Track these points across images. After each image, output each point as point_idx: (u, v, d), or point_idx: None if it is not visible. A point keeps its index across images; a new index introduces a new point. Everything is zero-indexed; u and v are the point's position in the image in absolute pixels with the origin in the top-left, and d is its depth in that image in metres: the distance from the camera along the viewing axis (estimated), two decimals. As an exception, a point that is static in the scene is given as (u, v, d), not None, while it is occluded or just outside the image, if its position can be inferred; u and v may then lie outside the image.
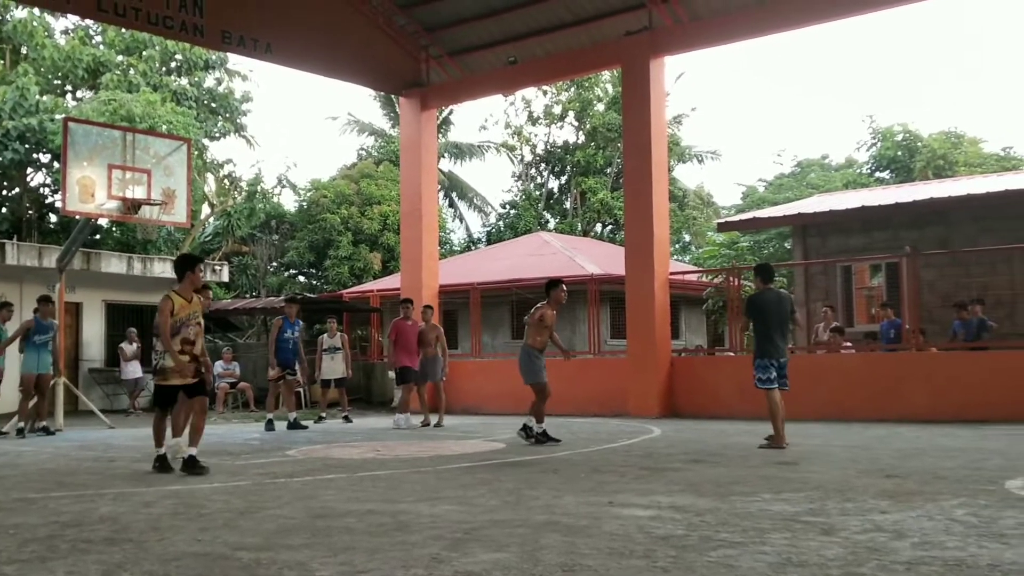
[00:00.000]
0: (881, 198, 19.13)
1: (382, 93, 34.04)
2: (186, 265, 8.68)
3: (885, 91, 65.90)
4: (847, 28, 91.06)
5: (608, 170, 37.05)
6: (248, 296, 31.14)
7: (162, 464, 8.50)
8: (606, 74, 34.99)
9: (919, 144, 32.35)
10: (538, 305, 11.19)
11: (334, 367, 16.03)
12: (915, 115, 70.79)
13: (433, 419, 14.56)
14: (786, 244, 23.51)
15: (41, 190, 26.50)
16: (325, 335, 16.29)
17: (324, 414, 16.16)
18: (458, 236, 40.02)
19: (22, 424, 13.58)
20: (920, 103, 64.17)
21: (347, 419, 15.84)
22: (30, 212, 25.87)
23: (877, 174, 33.91)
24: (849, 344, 15.97)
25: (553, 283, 11.25)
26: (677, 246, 38.24)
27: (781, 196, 32.16)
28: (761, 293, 10.28)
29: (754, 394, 10.24)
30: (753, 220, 21.37)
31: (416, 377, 14.56)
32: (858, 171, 34.75)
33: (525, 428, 10.88)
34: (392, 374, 18.66)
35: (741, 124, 69.95)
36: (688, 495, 6.42)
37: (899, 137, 33.17)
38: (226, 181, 31.58)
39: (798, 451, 9.40)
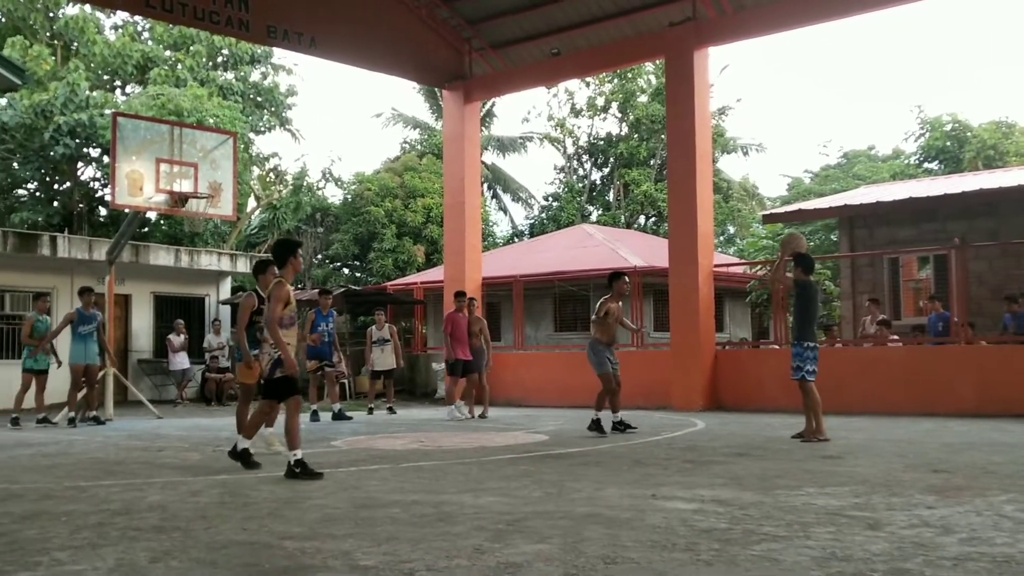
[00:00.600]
0: (929, 189, 18.86)
1: (426, 86, 34.12)
2: (289, 250, 8.01)
3: (934, 80, 64.95)
4: (895, 16, 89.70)
5: (652, 162, 36.85)
6: (294, 289, 31.38)
7: (246, 458, 7.89)
8: (649, 65, 34.77)
9: (968, 134, 31.82)
10: (602, 300, 11.41)
11: (384, 359, 16.07)
12: (965, 104, 69.63)
13: (477, 411, 14.65)
14: (832, 236, 23.26)
15: (91, 184, 26.93)
16: (374, 327, 16.34)
17: (372, 405, 16.22)
18: (501, 229, 40.06)
19: (73, 414, 13.83)
20: (970, 92, 63.14)
21: (391, 410, 15.92)
22: (80, 206, 26.30)
23: (925, 165, 33.41)
24: (896, 337, 15.77)
25: (616, 275, 11.58)
26: (721, 238, 37.94)
27: (827, 187, 31.77)
28: (807, 281, 10.13)
29: (799, 387, 10.10)
30: (799, 212, 21.18)
31: (466, 369, 14.68)
32: (906, 162, 34.26)
33: (621, 423, 11.11)
34: (436, 366, 18.72)
35: (787, 115, 69.28)
36: (732, 488, 6.39)
37: (948, 127, 32.64)
38: (271, 174, 31.86)
39: (843, 445, 9.31)
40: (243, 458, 7.89)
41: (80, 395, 14.04)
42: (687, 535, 4.76)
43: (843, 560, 4.17)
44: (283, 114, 30.97)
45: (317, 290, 18.03)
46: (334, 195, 34.90)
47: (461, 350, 14.62)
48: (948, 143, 32.44)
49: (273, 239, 31.47)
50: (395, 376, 16.74)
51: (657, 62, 29.89)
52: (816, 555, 4.28)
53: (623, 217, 36.61)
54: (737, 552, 4.37)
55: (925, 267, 19.10)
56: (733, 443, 9.75)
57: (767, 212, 25.29)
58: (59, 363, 14.17)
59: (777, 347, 16.37)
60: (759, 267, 21.84)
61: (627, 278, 11.68)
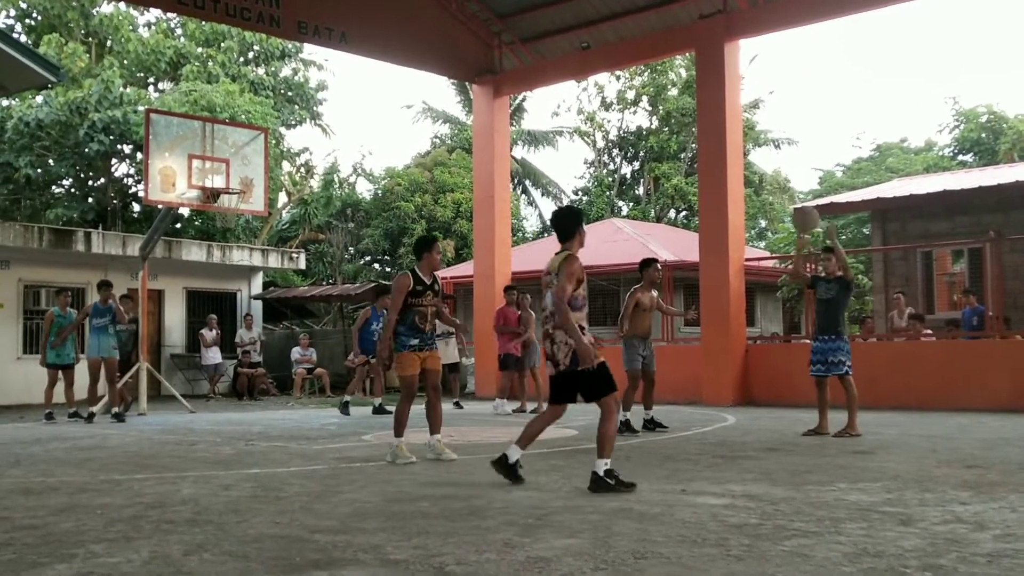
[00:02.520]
0: (964, 182, 18.64)
1: (456, 80, 34.16)
2: (577, 219, 6.95)
3: (969, 71, 64.13)
4: (929, 6, 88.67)
5: (682, 155, 36.68)
6: (325, 283, 31.57)
7: (511, 472, 6.59)
8: (680, 58, 34.61)
9: (1004, 125, 31.42)
10: (631, 291, 10.94)
11: (448, 352, 15.77)
12: (1000, 96, 68.75)
13: (531, 406, 14.61)
14: (864, 230, 23.07)
15: (125, 180, 27.21)
16: (438, 320, 16.18)
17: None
18: (531, 223, 40.05)
19: (117, 408, 13.92)
20: (1006, 83, 62.30)
21: (458, 405, 15.74)
22: (115, 202, 26.59)
23: (960, 157, 33.01)
24: (930, 331, 15.63)
25: (646, 262, 10.96)
26: (753, 232, 37.71)
27: (859, 180, 31.51)
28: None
29: (830, 383, 9.99)
30: (830, 205, 20.98)
31: (518, 364, 14.67)
32: (939, 154, 33.88)
33: (652, 421, 10.87)
34: (467, 360, 18.60)
35: (818, 107, 68.66)
36: (762, 484, 6.36)
37: (983, 119, 32.23)
38: (302, 169, 32.05)
39: (875, 440, 9.25)
40: (511, 472, 6.58)
41: (112, 389, 14.15)
42: (717, 530, 4.75)
43: (875, 556, 4.15)
44: (313, 109, 31.14)
45: (365, 286, 17.98)
46: (365, 190, 35.09)
47: (512, 345, 14.62)
48: (983, 135, 32.04)
49: (305, 233, 31.62)
50: (459, 371, 16.53)
51: (687, 55, 29.77)
52: (848, 551, 4.26)
53: (653, 211, 36.48)
54: (768, 548, 4.35)
55: (959, 261, 18.91)
56: (764, 438, 9.70)
57: (798, 206, 25.10)
58: (77, 359, 14.30)
59: (809, 342, 16.26)
60: (789, 261, 21.68)
61: (659, 265, 11.13)
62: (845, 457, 7.88)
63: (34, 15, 27.60)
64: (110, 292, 14.09)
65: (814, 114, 68.51)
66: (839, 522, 4.93)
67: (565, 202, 40.04)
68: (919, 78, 68.42)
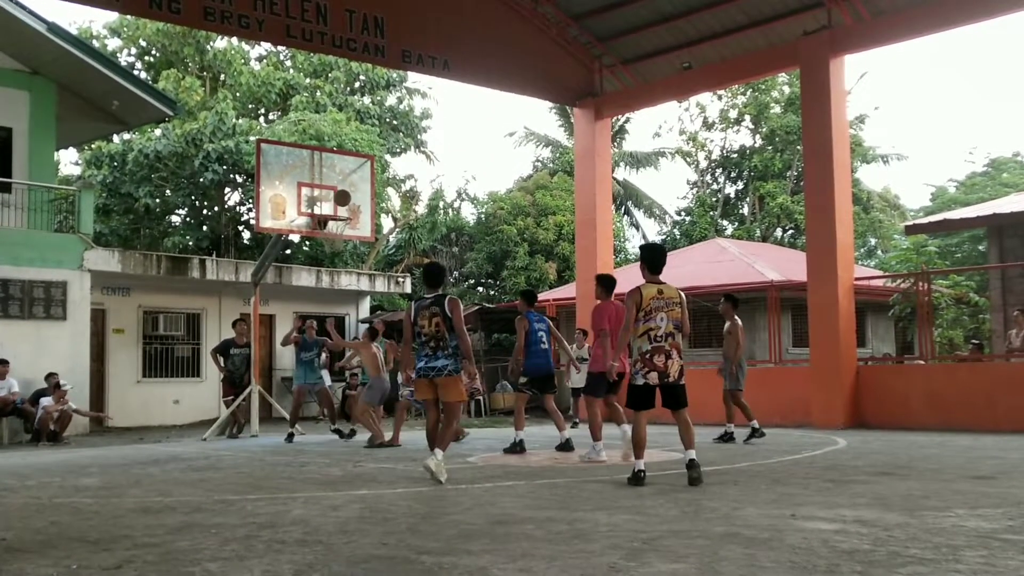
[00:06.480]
0: (1087, 195, 17.88)
1: (557, 104, 34.33)
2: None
3: (1091, 81, 61.42)
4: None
5: (788, 174, 36.11)
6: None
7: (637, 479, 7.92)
8: (782, 76, 34.12)
9: None
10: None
11: (576, 378, 15.75)
12: None
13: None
14: (980, 247, 22.29)
15: (237, 209, 28.05)
16: (574, 345, 16.32)
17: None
18: (633, 245, 39.86)
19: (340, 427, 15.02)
20: None
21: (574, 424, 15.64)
22: (227, 229, 27.42)
23: (1083, 170, 31.71)
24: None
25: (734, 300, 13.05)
26: (862, 250, 36.83)
27: (974, 196, 30.49)
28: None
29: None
30: (944, 222, 20.38)
31: None
32: (1061, 167, 32.59)
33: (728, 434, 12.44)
34: (569, 383, 18.59)
35: (929, 122, 66.76)
36: (875, 509, 6.19)
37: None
38: (407, 195, 32.57)
39: (996, 465, 8.91)
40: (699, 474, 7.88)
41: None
42: (828, 556, 4.64)
43: (995, 585, 4.00)
44: (418, 136, 31.66)
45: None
46: (468, 214, 35.46)
47: None
48: (1106, 146, 30.71)
49: (410, 258, 32.10)
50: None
51: (790, 72, 29.34)
52: (966, 580, 4.12)
53: (759, 230, 35.96)
54: (881, 575, 4.23)
55: (1083, 277, 18.09)
56: (876, 462, 9.44)
57: (910, 223, 24.43)
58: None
59: (923, 363, 15.77)
60: (901, 280, 21.08)
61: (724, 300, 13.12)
62: (963, 482, 7.61)
63: (153, 52, 28.83)
64: (314, 325, 15.22)
65: (924, 129, 66.67)
66: (957, 549, 4.76)
67: (668, 223, 39.78)
68: (1037, 89, 65.88)
